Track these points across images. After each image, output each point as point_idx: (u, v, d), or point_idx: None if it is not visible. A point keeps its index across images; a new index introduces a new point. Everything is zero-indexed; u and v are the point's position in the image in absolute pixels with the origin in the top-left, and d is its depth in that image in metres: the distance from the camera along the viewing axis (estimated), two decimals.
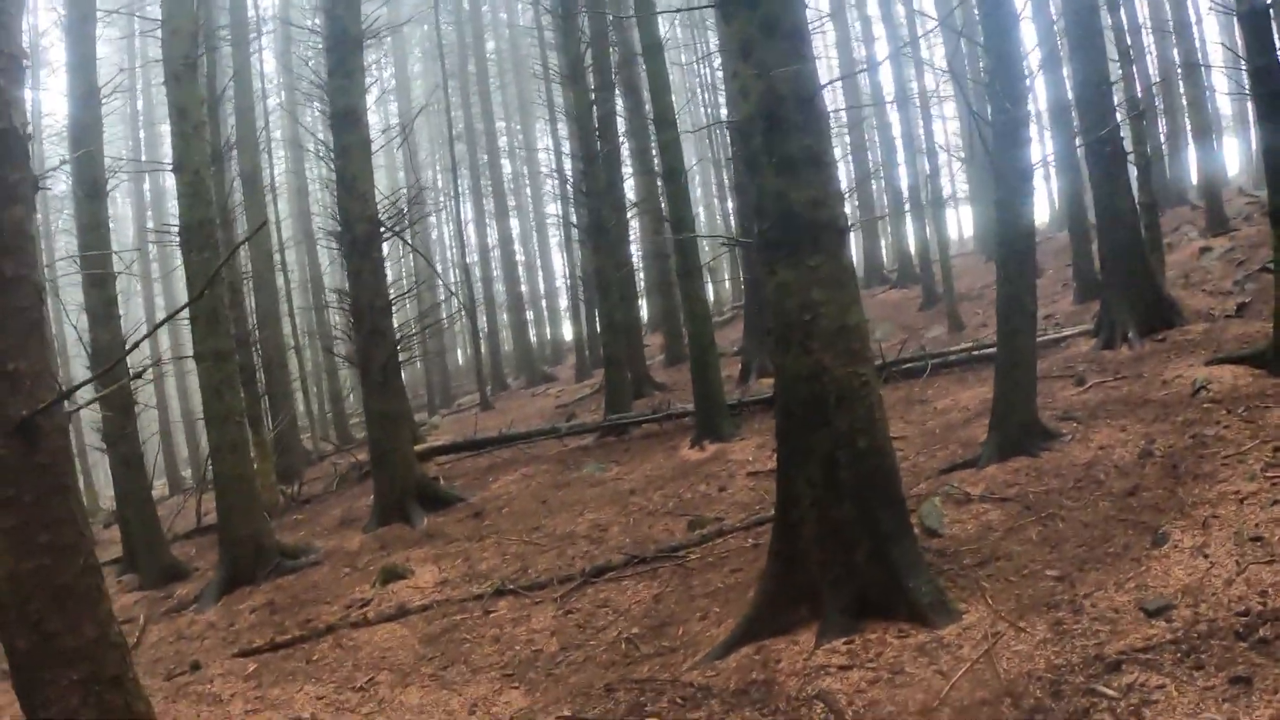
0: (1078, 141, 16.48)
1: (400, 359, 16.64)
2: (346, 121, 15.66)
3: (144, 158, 32.72)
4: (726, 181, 41.97)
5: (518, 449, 18.91)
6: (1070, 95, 17.15)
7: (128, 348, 4.80)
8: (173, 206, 30.00)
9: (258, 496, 14.68)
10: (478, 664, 8.76)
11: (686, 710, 6.64)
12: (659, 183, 23.99)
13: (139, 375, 5.10)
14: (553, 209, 52.36)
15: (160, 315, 33.61)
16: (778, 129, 7.32)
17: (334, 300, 23.88)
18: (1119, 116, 15.74)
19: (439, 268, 40.04)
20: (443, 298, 41.47)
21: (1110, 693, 5.36)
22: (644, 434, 17.72)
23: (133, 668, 4.57)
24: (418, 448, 18.10)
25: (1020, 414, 10.35)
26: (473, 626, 9.73)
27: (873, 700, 6.10)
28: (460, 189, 41.59)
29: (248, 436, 14.77)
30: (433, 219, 46.64)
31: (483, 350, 35.47)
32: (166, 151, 17.09)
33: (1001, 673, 5.96)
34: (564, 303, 56.58)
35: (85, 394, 13.03)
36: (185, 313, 14.93)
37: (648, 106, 25.41)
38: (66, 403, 4.48)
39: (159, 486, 26.93)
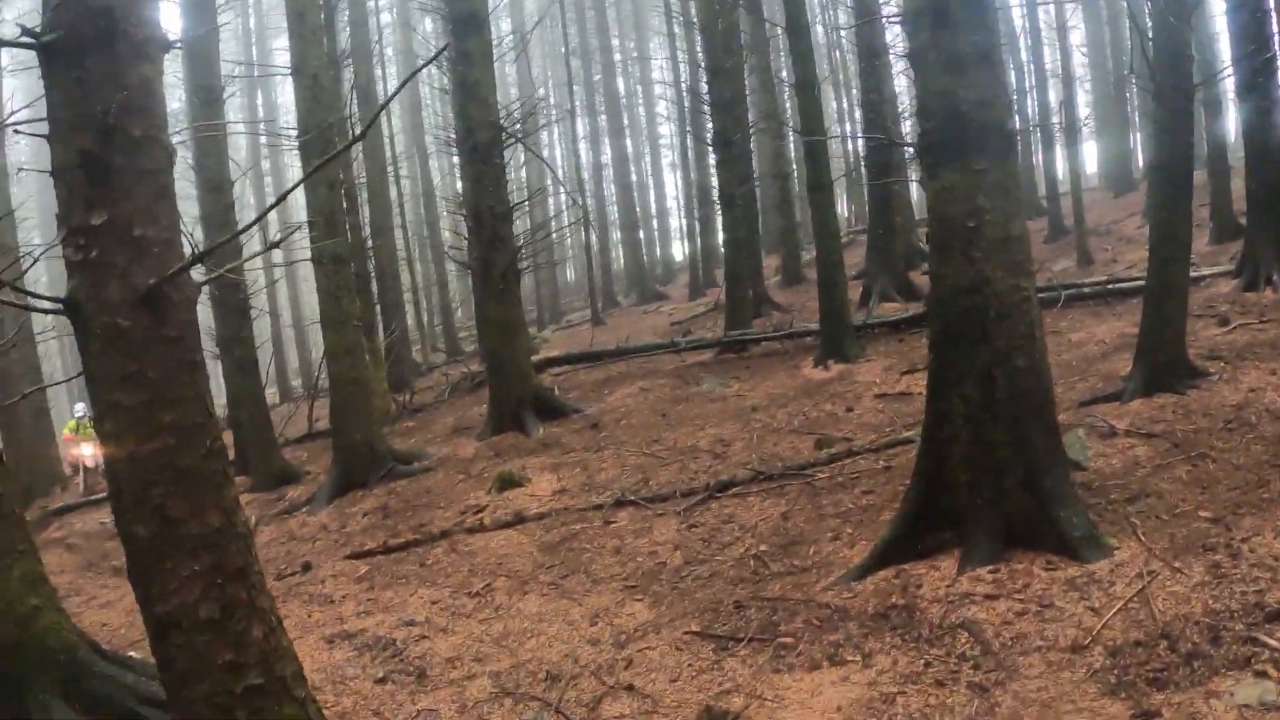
0: (1228, 72, 15.54)
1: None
2: (469, 26, 15.36)
3: (256, 75, 32.89)
4: (846, 104, 41.15)
5: (634, 363, 18.78)
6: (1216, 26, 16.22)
7: (244, 226, 4.52)
8: (285, 120, 30.13)
9: (372, 400, 14.73)
10: (598, 574, 8.60)
11: (823, 632, 6.42)
12: (787, 96, 23.41)
13: (276, 245, 4.81)
14: (665, 129, 51.97)
15: (274, 226, 33.91)
16: (946, 23, 6.86)
17: (451, 208, 23.81)
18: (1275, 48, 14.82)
19: (551, 185, 39.78)
20: (553, 212, 41.33)
21: (1273, 643, 5.01)
22: (764, 352, 17.44)
23: (257, 560, 4.32)
24: (533, 358, 17.95)
25: (1169, 348, 9.82)
26: (592, 537, 9.57)
27: (1021, 633, 5.80)
28: (574, 106, 41.23)
29: (363, 341, 14.76)
30: (545, 136, 46.42)
31: (595, 266, 35.30)
32: (280, 65, 17.15)
33: (1157, 614, 5.59)
34: (674, 223, 56.38)
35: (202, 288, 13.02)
36: (304, 217, 14.86)
37: (768, 23, 24.83)
38: (196, 275, 4.19)
39: (269, 394, 27.34)
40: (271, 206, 4.32)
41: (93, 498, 20.16)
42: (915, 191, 27.95)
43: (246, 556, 4.20)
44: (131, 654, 8.77)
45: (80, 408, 21.80)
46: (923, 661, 5.75)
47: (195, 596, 4.01)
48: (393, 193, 27.99)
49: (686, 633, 6.93)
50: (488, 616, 8.15)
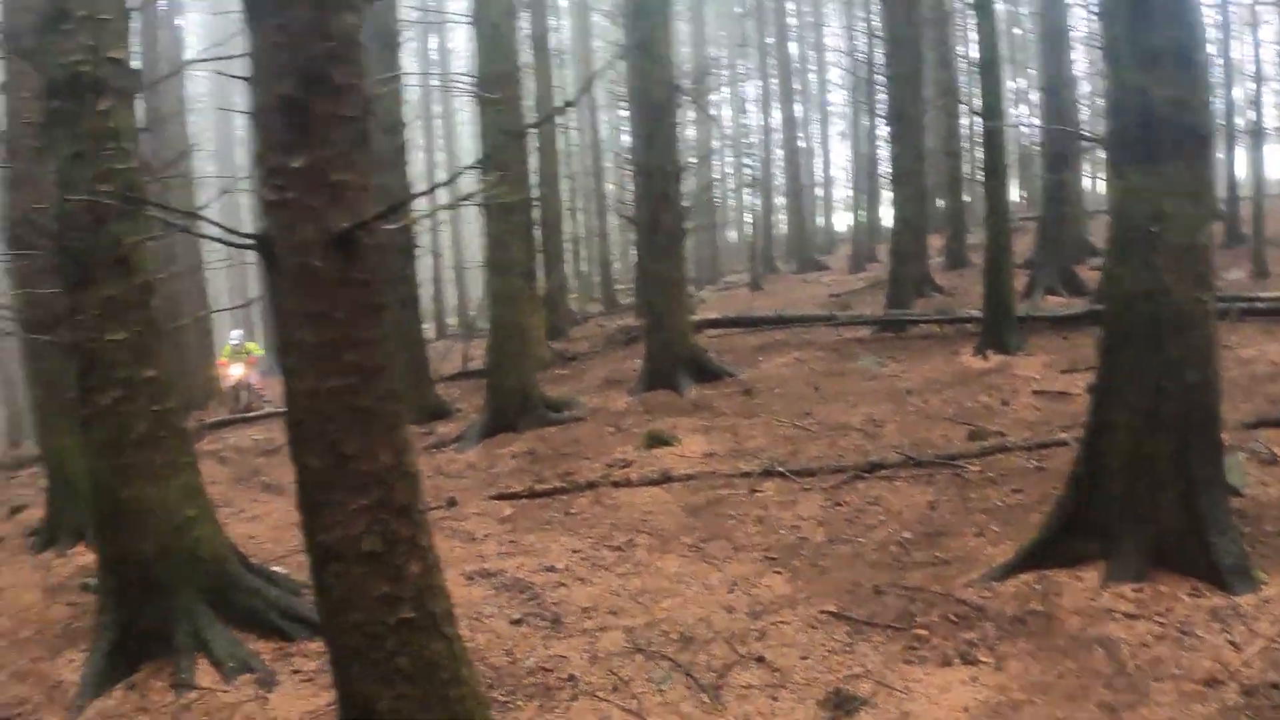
0: None
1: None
2: None
3: (435, 21, 33.44)
4: (1022, 84, 40.08)
5: (790, 332, 18.65)
6: None
7: (448, 179, 4.61)
8: (457, 65, 30.56)
9: (530, 346, 14.92)
10: (740, 542, 8.64)
11: (959, 629, 6.37)
12: (962, 72, 22.80)
13: (466, 199, 4.90)
14: (835, 98, 51.31)
15: (440, 168, 34.57)
16: (1143, 16, 6.65)
17: (618, 162, 23.95)
18: None
19: (716, 146, 39.64)
20: (718, 175, 41.16)
21: None
22: (922, 334, 17.19)
23: (422, 499, 4.46)
24: (690, 318, 18.00)
25: None
26: (737, 504, 9.61)
27: (1157, 658, 5.68)
28: (746, 68, 40.91)
29: (526, 288, 14.95)
30: (713, 97, 46.22)
31: (757, 230, 35.18)
32: (457, 11, 17.42)
33: None
34: (839, 193, 55.73)
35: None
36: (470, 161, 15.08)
37: None
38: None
39: (425, 331, 28.00)
40: (480, 161, 4.42)
41: (246, 415, 21.34)
42: (1087, 182, 27.14)
43: (412, 496, 4.34)
44: (276, 569, 9.13)
45: (236, 334, 23.29)
46: (1055, 672, 5.68)
47: (360, 529, 4.17)
48: (560, 143, 28.24)
49: (822, 611, 6.94)
50: (626, 571, 8.26)
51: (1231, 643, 5.68)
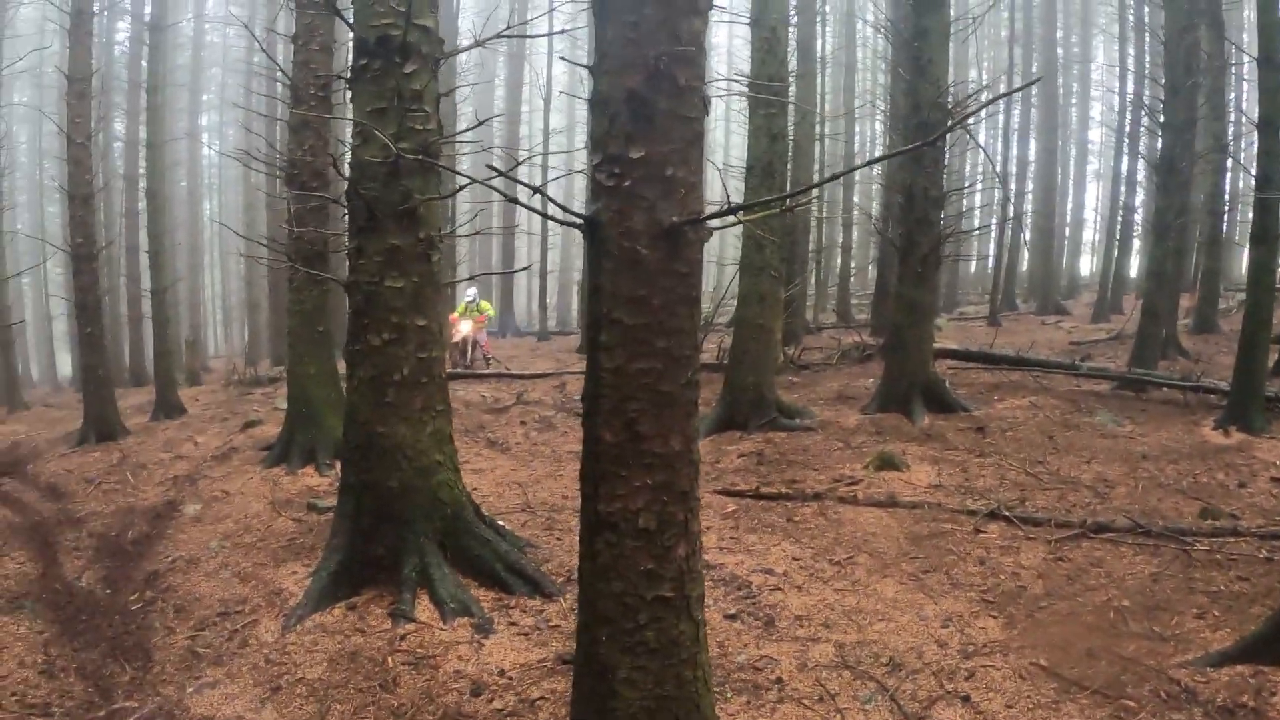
0: None
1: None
2: (930, 3, 15.32)
3: (715, 21, 33.84)
4: None
5: (1027, 374, 18.22)
6: None
7: (794, 191, 4.82)
8: (716, 66, 30.77)
9: (772, 349, 15.03)
10: (959, 579, 8.60)
11: (1167, 708, 6.23)
12: (1229, 127, 21.77)
13: (801, 197, 4.97)
14: (1093, 134, 49.82)
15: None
16: None
17: (873, 179, 23.84)
18: None
19: (967, 171, 38.89)
20: (968, 203, 40.46)
21: None
22: (1163, 398, 16.50)
23: (699, 488, 4.68)
24: (932, 346, 17.82)
25: None
26: (960, 540, 9.55)
27: None
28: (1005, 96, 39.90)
29: (778, 291, 15.05)
30: (969, 122, 45.26)
31: (1003, 264, 34.59)
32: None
33: None
34: (1087, 235, 54.14)
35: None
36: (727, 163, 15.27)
37: (1235, 47, 23.28)
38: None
39: None
40: (838, 174, 4.60)
41: (473, 371, 22.34)
42: None
43: (693, 482, 4.58)
44: (500, 523, 9.54)
45: (471, 292, 24.51)
46: None
47: (639, 506, 4.42)
48: (816, 151, 28.24)
49: (1033, 663, 6.90)
50: (843, 588, 8.33)
51: None
